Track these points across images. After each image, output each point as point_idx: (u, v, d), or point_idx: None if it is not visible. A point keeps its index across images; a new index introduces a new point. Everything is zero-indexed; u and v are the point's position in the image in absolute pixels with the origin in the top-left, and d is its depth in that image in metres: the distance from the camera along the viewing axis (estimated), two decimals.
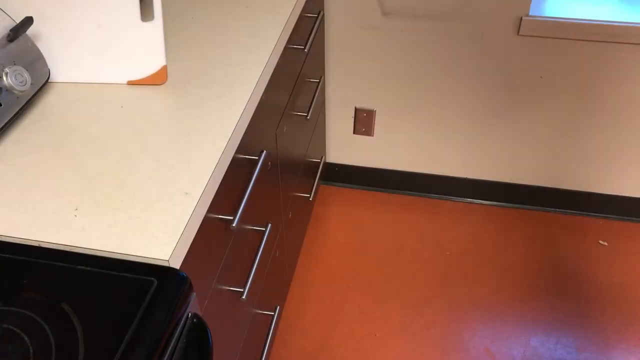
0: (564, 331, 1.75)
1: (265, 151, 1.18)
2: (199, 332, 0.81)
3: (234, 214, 1.03)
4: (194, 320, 0.80)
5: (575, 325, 1.77)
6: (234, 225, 1.03)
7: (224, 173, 0.97)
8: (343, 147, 2.13)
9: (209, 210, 0.92)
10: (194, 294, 0.80)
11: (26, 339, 0.69)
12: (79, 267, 0.78)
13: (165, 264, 0.77)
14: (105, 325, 0.71)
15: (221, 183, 0.96)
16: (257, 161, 1.15)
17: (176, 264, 0.80)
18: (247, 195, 1.08)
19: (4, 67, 0.95)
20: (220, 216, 1.01)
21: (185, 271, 0.79)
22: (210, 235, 0.98)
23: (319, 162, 2.01)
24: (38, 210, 0.84)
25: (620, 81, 1.73)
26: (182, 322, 0.77)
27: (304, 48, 1.46)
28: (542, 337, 1.74)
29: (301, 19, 1.42)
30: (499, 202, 2.14)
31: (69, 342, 0.69)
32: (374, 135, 2.05)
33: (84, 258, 0.79)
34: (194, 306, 0.81)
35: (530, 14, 1.66)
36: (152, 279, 0.76)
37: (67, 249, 0.80)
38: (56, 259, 0.79)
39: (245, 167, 1.13)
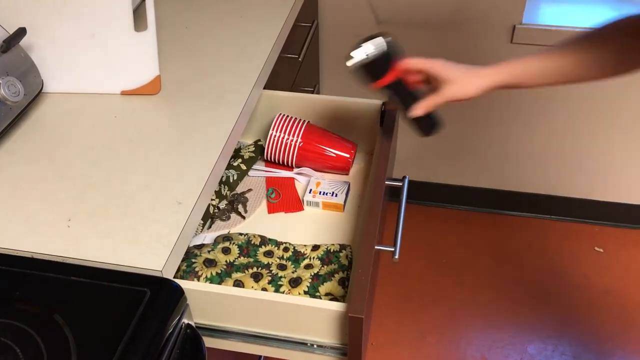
0: (560, 338, 1.75)
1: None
2: (192, 342, 0.80)
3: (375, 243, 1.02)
4: (188, 330, 0.80)
5: (572, 333, 1.77)
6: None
7: (217, 183, 0.97)
8: None
9: None
10: (187, 305, 0.80)
11: (18, 351, 0.69)
12: (72, 277, 0.77)
13: (159, 274, 0.77)
14: (98, 336, 0.71)
15: None
16: None
17: (169, 274, 0.79)
18: None
19: None
20: None
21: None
22: None
23: None
24: (31, 221, 0.84)
25: (615, 88, 1.74)
26: (175, 332, 0.76)
27: (298, 57, 1.46)
28: (538, 345, 1.74)
29: (295, 28, 1.42)
30: (494, 209, 2.14)
31: (61, 353, 0.69)
32: None
33: (77, 269, 0.78)
34: (187, 316, 0.81)
35: (524, 22, 1.66)
36: (145, 289, 0.75)
37: (60, 259, 0.79)
38: (49, 270, 0.78)
39: None
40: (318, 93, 1.91)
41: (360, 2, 1.72)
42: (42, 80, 1.05)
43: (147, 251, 0.79)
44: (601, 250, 2.00)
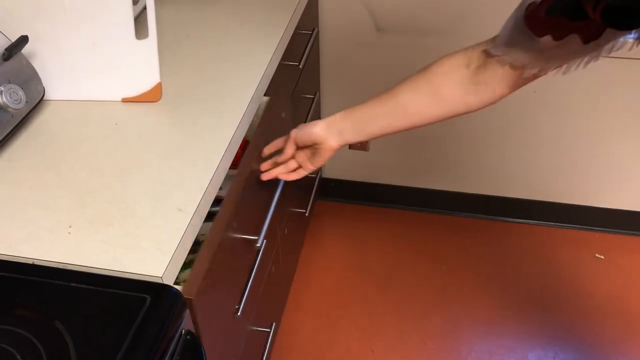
0: (561, 345, 1.75)
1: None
2: (192, 349, 0.80)
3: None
4: (188, 337, 0.80)
5: (573, 340, 1.76)
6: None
7: (217, 189, 0.97)
8: (339, 162, 2.13)
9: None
10: (187, 311, 0.80)
11: (19, 357, 0.69)
12: (72, 284, 0.77)
13: (159, 280, 0.77)
14: (98, 343, 0.71)
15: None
16: None
17: (170, 281, 0.79)
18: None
19: None
20: None
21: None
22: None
23: (315, 178, 2.01)
24: (32, 228, 0.84)
25: (614, 95, 1.74)
26: (175, 339, 0.76)
27: (299, 64, 1.46)
28: (539, 352, 1.73)
29: (295, 35, 1.43)
30: (494, 216, 2.14)
31: None
32: (370, 150, 2.06)
33: (78, 275, 0.79)
34: (187, 323, 0.81)
35: None
36: (146, 295, 0.76)
37: (61, 266, 0.79)
38: (49, 277, 0.79)
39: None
40: (319, 100, 1.92)
41: (360, 10, 1.73)
42: (44, 88, 1.06)
43: (148, 258, 0.79)
44: (602, 257, 2.00)
